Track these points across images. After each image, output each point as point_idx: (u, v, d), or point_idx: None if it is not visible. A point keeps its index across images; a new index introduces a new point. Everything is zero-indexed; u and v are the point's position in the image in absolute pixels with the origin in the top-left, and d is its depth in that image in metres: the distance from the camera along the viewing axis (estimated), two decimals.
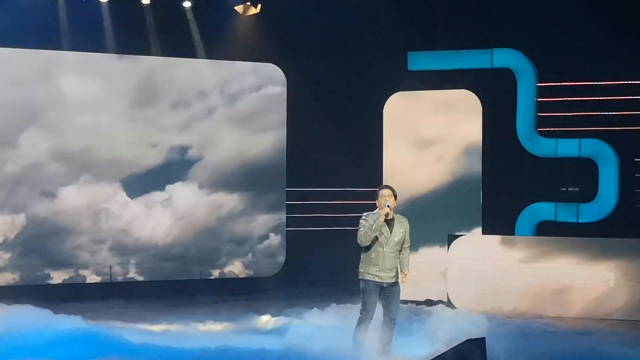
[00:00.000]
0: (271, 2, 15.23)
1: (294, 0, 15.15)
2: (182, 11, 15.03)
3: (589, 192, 14.36)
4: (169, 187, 15.15)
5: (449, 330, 11.56)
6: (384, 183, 12.71)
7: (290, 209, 15.84)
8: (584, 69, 14.24)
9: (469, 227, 14.48)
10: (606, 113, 14.14)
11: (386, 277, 9.56)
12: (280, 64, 15.69)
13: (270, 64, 15.67)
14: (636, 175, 14.19)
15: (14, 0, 13.73)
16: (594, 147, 14.28)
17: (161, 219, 15.10)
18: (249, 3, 14.91)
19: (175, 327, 11.88)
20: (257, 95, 15.65)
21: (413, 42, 15.04)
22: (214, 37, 15.27)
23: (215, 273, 15.46)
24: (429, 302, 13.97)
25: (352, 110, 15.58)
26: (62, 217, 14.46)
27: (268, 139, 15.69)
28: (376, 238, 9.52)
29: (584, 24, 14.12)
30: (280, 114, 15.74)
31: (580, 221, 14.26)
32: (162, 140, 15.05)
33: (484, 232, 14.48)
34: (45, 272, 14.38)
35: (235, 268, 15.61)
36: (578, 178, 14.60)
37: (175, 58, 15.05)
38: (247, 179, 15.61)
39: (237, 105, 15.54)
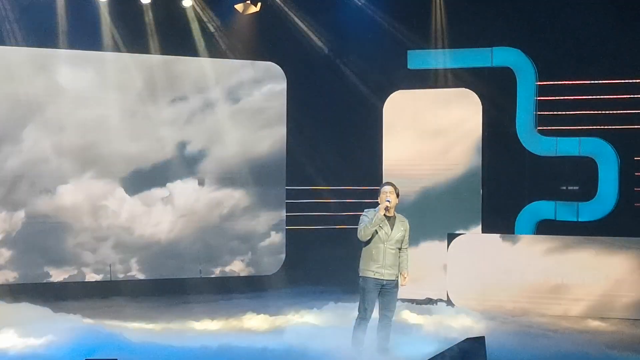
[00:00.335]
0: (271, 0, 15.22)
1: None
2: (182, 10, 15.02)
3: (588, 191, 14.36)
4: (169, 185, 15.14)
5: (449, 328, 11.61)
6: (384, 181, 12.74)
7: (290, 207, 15.83)
8: (583, 68, 14.23)
9: (468, 226, 14.47)
10: (606, 112, 14.13)
11: (386, 275, 9.57)
12: (280, 62, 15.68)
13: (270, 62, 15.67)
14: (636, 174, 14.18)
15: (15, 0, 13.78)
16: (594, 145, 14.27)
17: (161, 217, 15.09)
18: (248, 2, 14.90)
19: (175, 326, 11.88)
20: (257, 93, 15.64)
21: (413, 41, 15.04)
22: (214, 36, 15.26)
23: (216, 271, 15.46)
24: (429, 301, 13.97)
25: (352, 108, 15.57)
26: (62, 214, 14.45)
27: (268, 137, 15.69)
28: (376, 233, 9.53)
29: (584, 23, 14.12)
30: (280, 112, 15.74)
31: (580, 220, 14.26)
32: (162, 139, 15.03)
33: (483, 231, 14.47)
34: (45, 270, 14.36)
35: (236, 266, 15.61)
36: (578, 177, 14.60)
37: (175, 56, 15.04)
38: (246, 177, 15.59)
39: (237, 103, 15.53)
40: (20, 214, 14.22)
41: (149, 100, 14.90)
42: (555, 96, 14.47)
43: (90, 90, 14.51)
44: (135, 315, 12.62)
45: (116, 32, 14.52)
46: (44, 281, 14.34)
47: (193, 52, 15.18)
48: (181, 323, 12.07)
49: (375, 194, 9.87)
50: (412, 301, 13.59)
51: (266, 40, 15.47)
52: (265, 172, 15.68)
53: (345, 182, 15.58)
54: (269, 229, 15.80)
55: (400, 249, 9.68)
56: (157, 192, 15.07)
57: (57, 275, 14.45)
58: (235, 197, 15.56)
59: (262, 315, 12.59)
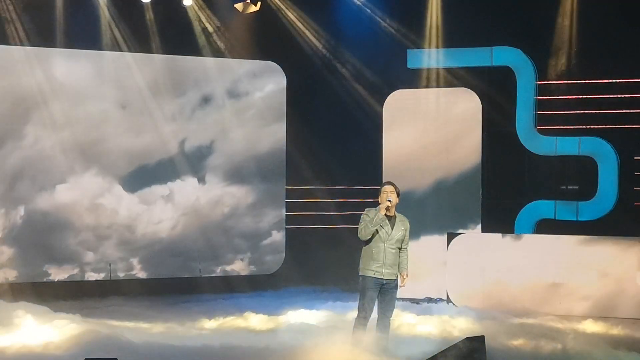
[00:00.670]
0: (271, 0, 15.23)
1: None
2: (182, 9, 15.01)
3: (588, 190, 14.35)
4: (168, 184, 15.13)
5: (449, 328, 11.60)
6: (384, 181, 12.73)
7: (290, 206, 15.83)
8: (583, 67, 14.23)
9: (468, 225, 14.47)
10: (606, 111, 14.13)
11: (386, 274, 9.57)
12: (280, 61, 15.67)
13: (270, 62, 15.67)
14: (635, 173, 14.18)
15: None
16: (594, 145, 14.27)
17: (160, 216, 15.08)
18: (248, 1, 14.89)
19: (175, 325, 11.87)
20: (257, 92, 15.63)
21: (413, 40, 15.03)
22: (214, 35, 15.25)
23: (216, 270, 15.45)
24: (429, 300, 13.98)
25: (352, 107, 15.56)
26: (62, 213, 14.43)
27: (267, 136, 15.68)
28: (377, 232, 9.53)
29: (584, 22, 14.13)
30: (279, 111, 15.73)
31: (579, 219, 14.25)
32: (162, 137, 15.02)
33: (483, 230, 14.48)
34: (44, 269, 14.35)
35: (236, 265, 15.60)
36: (578, 176, 14.60)
37: (174, 56, 15.03)
38: (246, 177, 15.59)
39: (237, 102, 15.53)
40: (20, 212, 14.20)
41: (148, 99, 14.88)
42: (555, 95, 14.47)
43: (91, 88, 14.50)
44: (135, 314, 12.61)
45: (117, 31, 14.51)
46: (44, 280, 14.32)
47: (193, 51, 15.17)
48: (181, 322, 12.06)
49: (375, 193, 9.87)
50: (411, 300, 13.59)
51: (266, 40, 15.45)
52: (265, 171, 15.68)
53: (345, 181, 15.58)
54: (268, 228, 15.79)
55: (400, 248, 9.68)
56: (157, 191, 15.06)
57: (57, 274, 14.43)
58: (235, 196, 15.56)
59: (262, 314, 12.59)
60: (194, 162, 15.26)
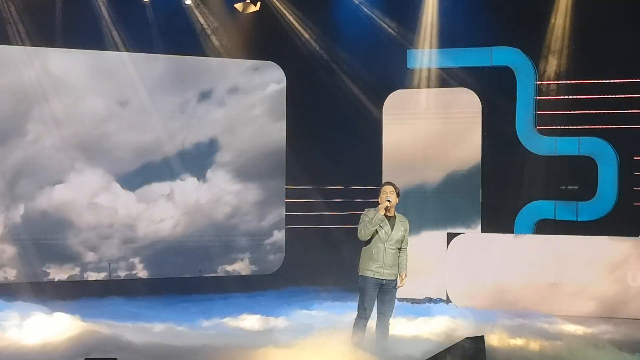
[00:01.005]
0: (271, 0, 15.22)
1: None
2: (182, 9, 15.01)
3: (588, 191, 14.36)
4: (168, 183, 15.13)
5: (448, 328, 11.59)
6: (384, 181, 12.72)
7: (289, 206, 15.83)
8: (583, 67, 14.23)
9: (468, 225, 14.47)
10: (606, 111, 14.14)
11: (386, 274, 9.57)
12: (280, 61, 15.68)
13: (269, 62, 15.67)
14: (635, 173, 14.18)
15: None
16: (594, 145, 14.27)
17: (160, 216, 15.08)
18: (248, 1, 14.89)
19: (174, 325, 11.86)
20: (257, 92, 15.64)
21: (413, 40, 15.04)
22: (214, 35, 15.25)
23: (215, 270, 15.45)
24: (428, 300, 13.98)
25: (352, 107, 15.57)
26: (61, 212, 14.43)
27: (267, 135, 15.68)
28: (376, 233, 9.53)
29: (584, 22, 14.13)
30: (279, 111, 15.73)
31: (579, 219, 14.26)
32: (161, 137, 15.03)
33: (483, 230, 14.48)
34: (43, 268, 14.35)
35: (235, 265, 15.61)
36: (577, 176, 14.60)
37: (173, 55, 15.03)
38: (245, 177, 15.60)
39: (237, 103, 15.53)
40: (20, 210, 14.20)
41: (147, 98, 14.88)
42: (554, 96, 14.47)
43: (93, 87, 14.52)
44: (135, 314, 12.61)
45: (118, 30, 14.52)
46: (43, 280, 14.32)
47: (193, 51, 15.17)
48: (181, 322, 12.05)
49: (375, 193, 9.87)
50: (411, 301, 13.59)
51: (266, 40, 15.46)
52: (265, 171, 15.68)
53: (345, 181, 15.58)
54: (268, 228, 15.80)
55: (400, 248, 9.67)
56: (157, 191, 15.07)
57: (56, 274, 14.42)
58: (235, 196, 15.56)
59: (261, 314, 12.58)
60: (193, 162, 15.26)
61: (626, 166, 14.20)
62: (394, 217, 9.64)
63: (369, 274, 9.58)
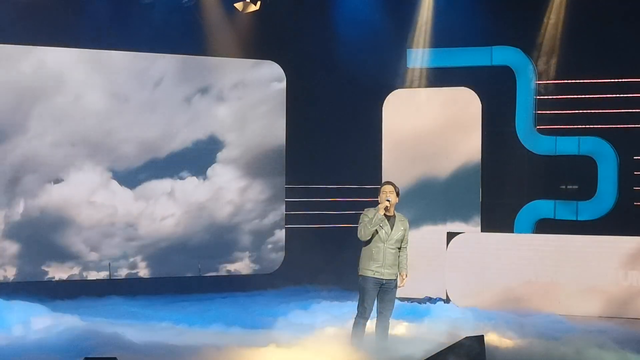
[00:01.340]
0: None
1: None
2: (182, 8, 15.01)
3: (588, 190, 14.36)
4: (167, 183, 15.13)
5: (448, 327, 11.59)
6: (383, 180, 12.72)
7: (289, 206, 15.84)
8: (583, 67, 14.23)
9: (468, 225, 14.47)
10: (605, 111, 14.14)
11: (386, 274, 9.57)
12: (280, 61, 15.68)
13: (269, 61, 15.67)
14: (635, 173, 14.19)
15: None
16: (593, 145, 14.28)
17: (160, 215, 15.08)
18: (248, 0, 14.89)
19: (173, 324, 11.87)
20: (257, 92, 15.64)
21: (413, 39, 15.04)
22: (213, 34, 15.25)
23: (215, 269, 15.45)
24: (428, 299, 13.97)
25: (352, 107, 15.57)
26: (61, 210, 14.43)
27: (267, 135, 15.69)
28: (376, 233, 9.53)
29: (584, 22, 14.13)
30: (279, 110, 15.73)
31: (579, 219, 14.27)
32: (160, 137, 15.03)
33: (483, 230, 14.47)
34: (43, 267, 14.34)
35: (235, 265, 15.61)
36: (577, 176, 14.61)
37: (173, 55, 15.04)
38: (245, 176, 15.60)
39: (237, 102, 15.53)
40: (19, 209, 14.19)
41: (146, 97, 14.89)
42: (554, 95, 14.48)
43: (94, 86, 14.52)
44: (134, 313, 12.62)
45: (118, 30, 14.52)
46: (43, 279, 14.32)
47: (192, 50, 15.17)
48: (180, 321, 12.05)
49: (375, 192, 9.87)
50: (411, 300, 13.59)
51: (266, 39, 15.46)
52: (265, 170, 15.68)
53: (344, 180, 15.58)
54: (268, 228, 15.80)
55: (400, 248, 9.68)
56: (157, 190, 15.07)
57: (56, 273, 14.42)
58: (235, 195, 15.56)
59: (261, 313, 12.59)
60: (193, 160, 15.26)
61: (626, 166, 14.21)
62: (394, 216, 9.65)
63: (369, 273, 9.58)
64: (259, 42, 15.44)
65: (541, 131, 14.56)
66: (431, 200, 14.70)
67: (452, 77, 14.77)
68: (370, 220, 9.51)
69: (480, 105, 14.62)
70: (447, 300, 13.77)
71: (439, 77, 14.85)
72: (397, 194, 9.65)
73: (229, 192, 15.52)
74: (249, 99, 15.59)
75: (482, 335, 8.98)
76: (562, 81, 14.42)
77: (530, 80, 14.58)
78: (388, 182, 9.78)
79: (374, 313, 9.73)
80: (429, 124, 14.78)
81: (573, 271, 13.30)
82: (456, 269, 13.85)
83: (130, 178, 14.86)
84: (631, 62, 13.99)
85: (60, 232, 14.46)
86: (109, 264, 14.75)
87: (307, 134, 15.66)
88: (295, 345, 9.95)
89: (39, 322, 10.85)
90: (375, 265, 9.56)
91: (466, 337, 8.87)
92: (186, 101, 15.18)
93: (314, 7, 15.40)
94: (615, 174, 14.21)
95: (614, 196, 14.19)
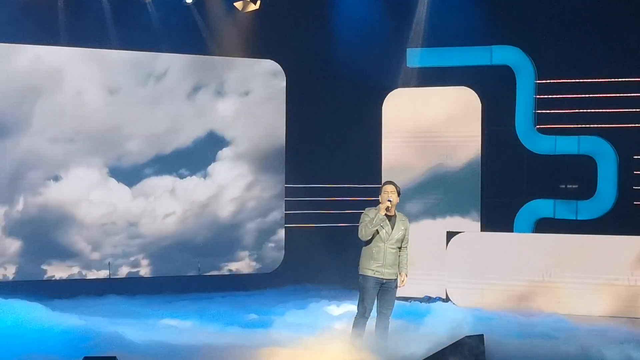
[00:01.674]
0: None
1: None
2: (182, 7, 15.01)
3: (587, 190, 14.36)
4: (167, 182, 15.13)
5: (447, 327, 11.59)
6: (383, 180, 12.73)
7: (289, 205, 15.83)
8: (583, 66, 14.23)
9: (467, 224, 14.46)
10: (605, 110, 14.13)
11: (386, 274, 9.58)
12: (280, 60, 15.68)
13: (269, 60, 15.67)
14: (635, 172, 14.18)
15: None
16: (593, 144, 14.27)
17: (159, 214, 15.07)
18: None
19: (173, 323, 11.87)
20: (257, 91, 15.64)
21: (412, 39, 15.03)
22: (213, 34, 15.25)
23: (215, 268, 15.45)
24: (428, 299, 13.98)
25: (352, 106, 15.57)
26: (60, 208, 14.41)
27: (267, 134, 15.69)
28: (377, 232, 9.54)
29: (583, 21, 14.13)
30: (279, 110, 15.73)
31: (579, 218, 14.25)
32: (160, 136, 15.02)
33: (482, 229, 14.47)
34: (42, 267, 14.33)
35: (235, 264, 15.61)
36: (577, 175, 14.60)
37: (173, 54, 15.03)
38: (245, 175, 15.60)
39: (236, 101, 15.52)
40: (19, 207, 14.18)
41: (146, 97, 14.88)
42: (554, 94, 14.47)
43: (95, 85, 14.53)
44: (134, 312, 12.62)
45: (118, 29, 14.52)
46: (43, 278, 14.31)
47: (192, 49, 15.17)
48: (180, 320, 12.06)
49: (374, 191, 9.87)
50: (411, 299, 13.59)
51: (265, 38, 15.46)
52: (264, 169, 15.68)
53: (344, 180, 15.58)
54: (268, 227, 15.79)
55: (400, 247, 9.68)
56: (157, 189, 15.07)
57: (56, 271, 14.41)
58: (235, 194, 15.56)
59: (261, 312, 12.59)
60: (193, 159, 15.26)
61: (626, 165, 14.20)
62: (395, 216, 9.65)
63: (369, 273, 9.59)
64: (258, 41, 15.44)
65: (541, 130, 14.56)
66: (431, 200, 14.69)
67: (452, 76, 14.75)
68: (371, 221, 9.51)
69: (480, 104, 14.61)
70: (447, 300, 13.77)
71: (439, 77, 14.83)
72: (399, 194, 9.66)
73: (228, 191, 15.51)
74: (249, 98, 15.59)
75: (482, 335, 8.99)
76: (562, 80, 14.41)
77: (530, 80, 14.57)
78: (389, 182, 9.77)
79: (373, 312, 9.74)
80: (428, 124, 14.77)
81: (573, 271, 13.30)
82: (456, 268, 13.85)
83: (130, 176, 14.85)
84: (631, 62, 13.98)
85: (60, 230, 14.44)
86: (109, 263, 14.74)
87: (307, 132, 15.66)
88: (295, 344, 9.95)
89: (38, 321, 10.84)
90: (375, 264, 9.57)
91: (466, 337, 8.88)
92: (186, 100, 15.17)
93: (314, 6, 15.40)
94: (615, 173, 14.20)
95: (614, 195, 14.18)
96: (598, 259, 13.20)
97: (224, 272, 15.50)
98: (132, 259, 14.91)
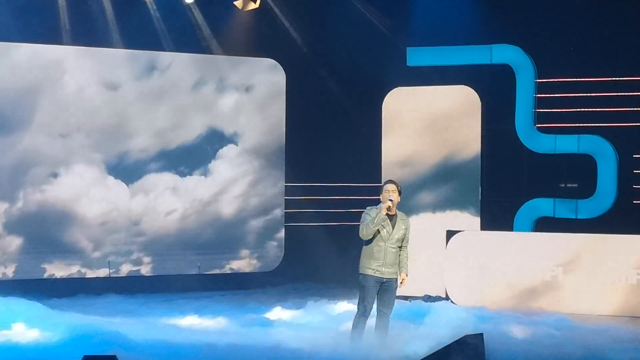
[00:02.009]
0: None
1: None
2: (182, 6, 15.01)
3: (587, 189, 14.36)
4: (166, 181, 15.12)
5: (447, 326, 11.59)
6: (383, 179, 12.73)
7: (289, 204, 15.83)
8: (583, 65, 14.23)
9: (467, 223, 14.46)
10: (605, 109, 14.13)
11: (387, 273, 9.58)
12: (280, 59, 15.67)
13: (269, 59, 15.66)
14: (635, 171, 14.18)
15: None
16: (593, 143, 14.26)
17: (158, 213, 15.07)
18: None
19: (173, 322, 11.87)
20: (256, 90, 15.63)
21: (412, 38, 15.03)
22: (213, 32, 15.25)
23: (215, 267, 15.45)
24: (428, 298, 13.97)
25: (352, 105, 15.58)
26: (59, 207, 14.41)
27: (267, 133, 15.69)
28: (378, 232, 9.53)
29: (583, 20, 14.13)
30: (279, 108, 15.73)
31: (578, 217, 14.25)
32: (159, 135, 15.02)
33: (482, 228, 14.47)
34: (42, 265, 14.33)
35: (235, 263, 15.60)
36: (577, 174, 14.61)
37: (173, 53, 15.03)
38: (244, 174, 15.60)
39: (236, 100, 15.52)
40: (19, 205, 14.18)
41: (145, 96, 14.88)
42: (554, 93, 14.47)
43: (94, 82, 14.54)
44: (134, 311, 12.62)
45: (118, 28, 14.52)
46: (43, 276, 14.30)
47: (192, 48, 15.17)
48: (180, 319, 12.06)
49: (374, 190, 9.88)
50: (410, 298, 13.59)
51: (265, 37, 15.47)
52: (264, 168, 15.68)
53: (344, 179, 15.58)
54: (267, 226, 15.79)
55: (400, 247, 9.68)
56: (156, 188, 15.06)
57: (56, 270, 14.40)
58: (234, 193, 15.56)
59: (260, 311, 12.60)
60: (192, 159, 15.26)
61: (625, 164, 14.20)
62: (395, 215, 9.65)
63: (370, 272, 9.59)
64: (258, 40, 15.44)
65: (541, 129, 14.56)
66: (430, 199, 14.70)
67: (451, 75, 14.75)
68: (372, 220, 9.51)
69: (480, 103, 14.61)
70: (447, 299, 13.76)
71: (439, 76, 14.83)
72: (400, 193, 9.65)
73: (227, 190, 15.51)
74: (248, 97, 15.58)
75: (482, 334, 8.99)
76: (562, 79, 14.41)
77: (530, 79, 14.56)
78: (391, 181, 9.76)
79: (373, 311, 9.74)
80: (428, 123, 14.77)
81: (573, 269, 13.30)
82: (455, 267, 13.85)
83: (130, 175, 14.85)
84: (631, 61, 13.98)
85: (60, 228, 14.43)
86: (109, 262, 14.73)
87: (307, 131, 15.67)
88: (295, 343, 9.95)
89: (38, 320, 10.84)
90: (376, 264, 9.57)
91: (465, 335, 8.88)
92: (186, 99, 15.17)
93: (314, 5, 15.39)
94: (615, 172, 14.19)
95: (614, 194, 14.18)
96: (599, 258, 13.19)
97: (223, 271, 15.49)
98: (132, 257, 14.90)
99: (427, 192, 14.70)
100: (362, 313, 9.64)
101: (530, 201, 14.58)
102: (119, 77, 14.70)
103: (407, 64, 15.05)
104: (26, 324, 10.68)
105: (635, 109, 14.03)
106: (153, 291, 14.44)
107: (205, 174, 15.37)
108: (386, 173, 14.45)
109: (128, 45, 14.65)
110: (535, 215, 14.54)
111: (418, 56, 14.97)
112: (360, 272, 9.66)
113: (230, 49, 15.41)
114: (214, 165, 15.42)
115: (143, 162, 14.95)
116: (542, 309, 13.03)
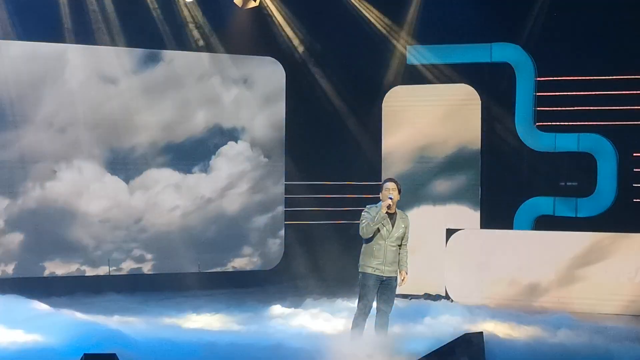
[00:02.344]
0: None
1: None
2: (182, 6, 15.00)
3: (587, 187, 14.36)
4: (165, 181, 15.12)
5: (447, 324, 11.61)
6: (383, 177, 12.73)
7: (289, 202, 15.83)
8: (583, 64, 14.22)
9: (467, 222, 14.46)
10: (605, 108, 14.12)
11: (387, 271, 9.59)
12: (280, 57, 15.67)
13: (269, 57, 15.66)
14: (635, 170, 14.18)
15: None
16: (593, 141, 14.26)
17: (158, 212, 15.07)
18: None
19: (173, 321, 11.88)
20: (256, 88, 15.63)
21: (412, 36, 15.03)
22: (213, 30, 15.24)
23: (214, 266, 15.45)
24: (427, 296, 13.98)
25: (352, 104, 15.57)
26: (58, 205, 14.40)
27: (267, 132, 15.69)
28: (378, 230, 9.54)
29: (584, 19, 14.13)
30: (279, 107, 15.73)
31: (578, 216, 14.26)
32: (159, 134, 15.01)
33: (482, 227, 14.48)
34: (41, 264, 14.32)
35: (235, 261, 15.60)
36: (577, 173, 14.60)
37: (172, 51, 15.02)
38: (244, 173, 15.59)
39: (236, 99, 15.52)
40: (18, 203, 14.17)
41: (144, 95, 14.88)
42: (554, 92, 14.46)
43: (94, 81, 14.53)
44: (134, 310, 12.62)
45: (118, 27, 14.51)
46: (43, 274, 14.30)
47: (192, 47, 15.16)
48: (179, 318, 12.06)
49: (374, 189, 9.88)
50: (410, 296, 13.59)
51: (265, 35, 15.46)
52: (264, 167, 15.68)
53: (344, 177, 15.58)
54: (267, 224, 15.79)
55: (400, 245, 9.68)
56: (157, 187, 15.07)
57: (56, 268, 14.39)
58: (234, 192, 15.56)
59: (260, 310, 12.60)
60: (192, 157, 15.25)
61: (625, 163, 14.20)
62: (395, 214, 9.65)
63: (370, 270, 9.59)
64: (258, 38, 15.43)
65: (541, 128, 14.56)
66: (430, 197, 14.70)
67: (451, 74, 14.76)
68: (372, 219, 9.51)
69: (480, 102, 14.62)
70: (447, 297, 13.77)
71: (439, 74, 14.83)
72: (400, 191, 9.66)
73: (227, 189, 15.50)
74: (248, 96, 15.58)
75: (482, 332, 9.01)
76: (562, 78, 14.41)
77: (530, 77, 14.56)
78: (391, 179, 9.77)
79: (373, 310, 9.74)
80: (428, 121, 14.77)
81: (573, 268, 13.30)
82: (455, 265, 13.85)
83: (130, 174, 14.85)
84: (631, 59, 13.97)
85: (60, 226, 14.42)
86: (108, 260, 14.73)
87: (307, 130, 15.66)
88: (295, 342, 9.95)
89: (38, 319, 10.84)
90: (375, 262, 9.57)
91: (465, 334, 8.89)
92: (185, 98, 15.16)
93: (313, 3, 15.38)
94: (615, 170, 14.19)
95: (614, 193, 14.18)
96: (599, 256, 13.19)
97: (223, 269, 15.49)
98: (133, 255, 14.89)
99: (427, 190, 14.71)
100: (362, 311, 9.64)
101: (530, 199, 14.58)
102: (119, 77, 14.67)
103: (408, 63, 15.05)
104: (26, 322, 10.67)
105: (636, 107, 14.02)
106: (153, 289, 14.43)
107: (206, 171, 15.36)
108: (386, 171, 14.47)
109: (127, 45, 14.62)
110: (535, 214, 14.54)
111: (418, 54, 14.98)
112: (360, 270, 9.67)
113: (229, 48, 15.40)
114: (213, 164, 15.40)
115: (144, 159, 14.94)
116: (542, 307, 13.04)
